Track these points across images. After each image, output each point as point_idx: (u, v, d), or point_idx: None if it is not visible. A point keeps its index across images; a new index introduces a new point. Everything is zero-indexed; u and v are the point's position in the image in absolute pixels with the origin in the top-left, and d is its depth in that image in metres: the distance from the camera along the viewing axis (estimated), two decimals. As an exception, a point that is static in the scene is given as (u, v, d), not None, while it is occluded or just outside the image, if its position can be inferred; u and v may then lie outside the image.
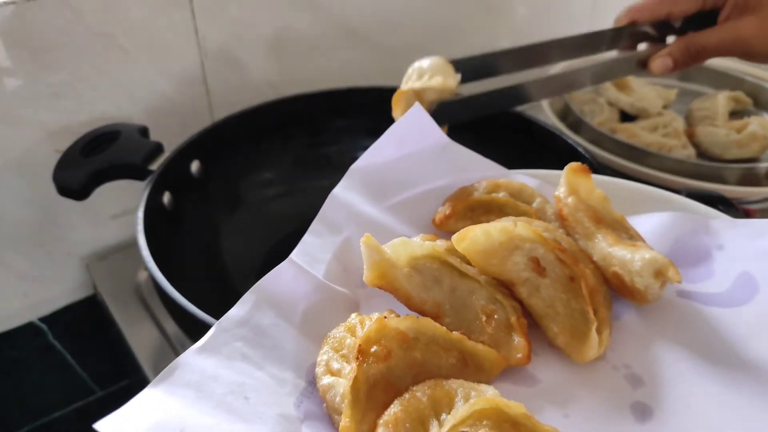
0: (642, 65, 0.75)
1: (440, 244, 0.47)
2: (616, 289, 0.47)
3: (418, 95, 0.65)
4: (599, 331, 0.43)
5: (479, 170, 0.58)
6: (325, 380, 0.40)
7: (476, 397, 0.37)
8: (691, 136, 0.93)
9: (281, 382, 0.41)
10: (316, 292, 0.46)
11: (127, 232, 0.86)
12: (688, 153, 0.89)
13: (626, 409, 0.41)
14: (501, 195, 0.54)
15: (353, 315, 0.43)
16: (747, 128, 0.89)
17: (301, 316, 0.44)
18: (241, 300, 0.43)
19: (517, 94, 0.70)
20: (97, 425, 0.33)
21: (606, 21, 1.22)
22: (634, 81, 1.02)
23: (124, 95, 0.78)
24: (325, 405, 0.40)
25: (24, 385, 0.87)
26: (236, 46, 0.84)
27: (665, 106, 1.00)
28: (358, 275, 0.46)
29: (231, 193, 0.82)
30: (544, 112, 0.95)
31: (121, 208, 0.84)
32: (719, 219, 0.53)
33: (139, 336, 0.74)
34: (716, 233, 0.51)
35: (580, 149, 0.74)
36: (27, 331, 0.84)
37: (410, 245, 0.45)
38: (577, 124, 0.92)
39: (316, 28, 0.90)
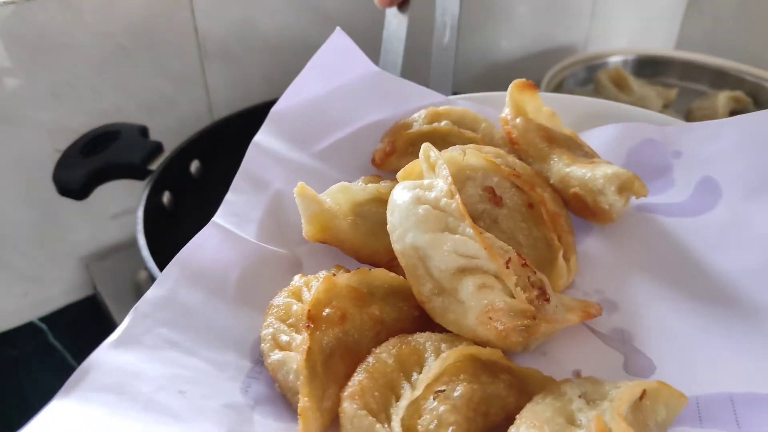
0: None
1: (384, 186, 0.42)
2: (577, 211, 0.44)
3: None
4: (566, 258, 0.41)
5: (415, 100, 0.52)
6: (274, 356, 0.35)
7: (447, 350, 0.33)
8: (691, 135, 0.92)
9: (221, 367, 0.35)
10: (249, 257, 0.40)
11: (127, 232, 0.86)
12: (688, 153, 0.89)
13: (605, 336, 0.39)
14: (443, 124, 0.49)
15: (296, 277, 0.38)
16: (747, 128, 0.89)
17: (235, 287, 0.39)
18: (159, 278, 0.37)
19: None
20: None
21: (606, 21, 1.22)
22: (635, 81, 1.01)
23: (124, 95, 0.78)
24: (277, 385, 0.35)
25: (24, 385, 0.87)
26: (236, 46, 0.84)
27: (665, 106, 1.00)
28: (295, 231, 0.41)
29: (231, 193, 0.82)
30: (544, 112, 0.95)
31: (121, 208, 0.84)
32: (673, 125, 0.49)
33: (139, 336, 0.74)
34: (672, 140, 0.48)
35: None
36: (27, 331, 0.84)
37: (351, 190, 0.41)
38: (577, 124, 0.92)
39: (316, 28, 0.90)
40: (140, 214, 0.63)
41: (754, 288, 0.40)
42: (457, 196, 0.35)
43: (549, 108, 0.49)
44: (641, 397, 0.33)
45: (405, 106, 0.52)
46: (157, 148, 0.71)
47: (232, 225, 0.42)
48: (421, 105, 0.52)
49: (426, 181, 0.37)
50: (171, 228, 0.69)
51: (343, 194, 0.41)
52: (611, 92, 0.99)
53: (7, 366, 0.85)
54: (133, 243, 0.60)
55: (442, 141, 0.49)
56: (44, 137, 0.74)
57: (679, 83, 1.09)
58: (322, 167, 0.49)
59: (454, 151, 0.42)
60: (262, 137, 0.48)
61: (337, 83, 0.51)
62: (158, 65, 0.79)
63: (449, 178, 0.36)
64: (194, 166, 0.76)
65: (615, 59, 1.11)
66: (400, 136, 0.49)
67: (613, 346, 0.39)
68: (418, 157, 0.40)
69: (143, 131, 0.73)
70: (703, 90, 1.07)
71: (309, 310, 0.34)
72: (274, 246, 0.42)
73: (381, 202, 0.41)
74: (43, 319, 0.85)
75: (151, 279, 0.56)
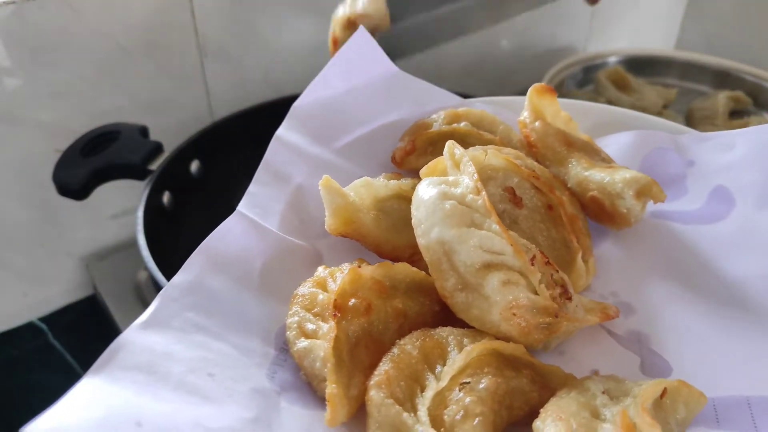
0: None
1: (406, 183, 0.43)
2: (594, 215, 0.45)
3: (352, 24, 0.60)
4: (584, 260, 0.41)
5: (434, 101, 0.54)
6: (300, 344, 0.35)
7: (470, 344, 0.34)
8: (691, 135, 0.92)
9: (247, 352, 0.36)
10: (272, 247, 0.41)
11: (127, 232, 0.86)
12: (688, 153, 0.88)
13: (621, 338, 0.39)
14: (462, 125, 0.50)
15: (320, 268, 0.39)
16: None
17: (260, 275, 0.40)
18: (186, 264, 0.38)
19: (458, 20, 0.66)
20: (26, 429, 0.27)
21: (606, 21, 1.22)
22: (635, 81, 1.01)
23: (124, 95, 0.78)
24: (302, 373, 0.35)
25: (24, 385, 0.87)
26: (236, 46, 0.84)
27: (665, 106, 1.00)
28: (317, 225, 0.42)
29: (231, 193, 0.81)
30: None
31: (121, 208, 0.84)
32: (687, 134, 0.50)
33: (139, 336, 0.74)
34: (685, 149, 0.49)
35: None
36: (27, 331, 0.84)
37: (373, 186, 0.42)
38: (577, 124, 0.92)
39: (316, 28, 0.90)
40: (140, 214, 0.63)
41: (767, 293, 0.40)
42: (483, 193, 0.36)
43: (566, 113, 0.49)
44: (662, 395, 0.33)
45: (424, 107, 0.53)
46: (157, 148, 0.71)
47: (256, 216, 0.42)
48: (439, 106, 0.53)
49: (451, 178, 0.38)
50: (171, 228, 0.70)
51: (366, 189, 0.41)
52: (611, 92, 0.99)
53: (7, 366, 0.85)
54: (133, 243, 0.60)
55: (461, 142, 0.48)
56: (44, 137, 0.74)
57: (679, 83, 1.09)
58: (343, 163, 0.49)
59: (476, 151, 0.42)
60: (284, 131, 0.48)
61: (358, 81, 0.52)
62: (158, 65, 0.79)
63: (475, 175, 0.37)
64: (194, 166, 0.76)
65: (615, 59, 1.11)
66: (420, 135, 0.50)
67: (629, 347, 0.39)
68: (437, 157, 0.41)
69: (143, 131, 0.73)
70: (703, 90, 1.06)
71: (336, 300, 0.35)
72: (295, 238, 0.43)
73: (403, 198, 0.42)
74: (43, 319, 0.85)
75: (151, 279, 0.56)
